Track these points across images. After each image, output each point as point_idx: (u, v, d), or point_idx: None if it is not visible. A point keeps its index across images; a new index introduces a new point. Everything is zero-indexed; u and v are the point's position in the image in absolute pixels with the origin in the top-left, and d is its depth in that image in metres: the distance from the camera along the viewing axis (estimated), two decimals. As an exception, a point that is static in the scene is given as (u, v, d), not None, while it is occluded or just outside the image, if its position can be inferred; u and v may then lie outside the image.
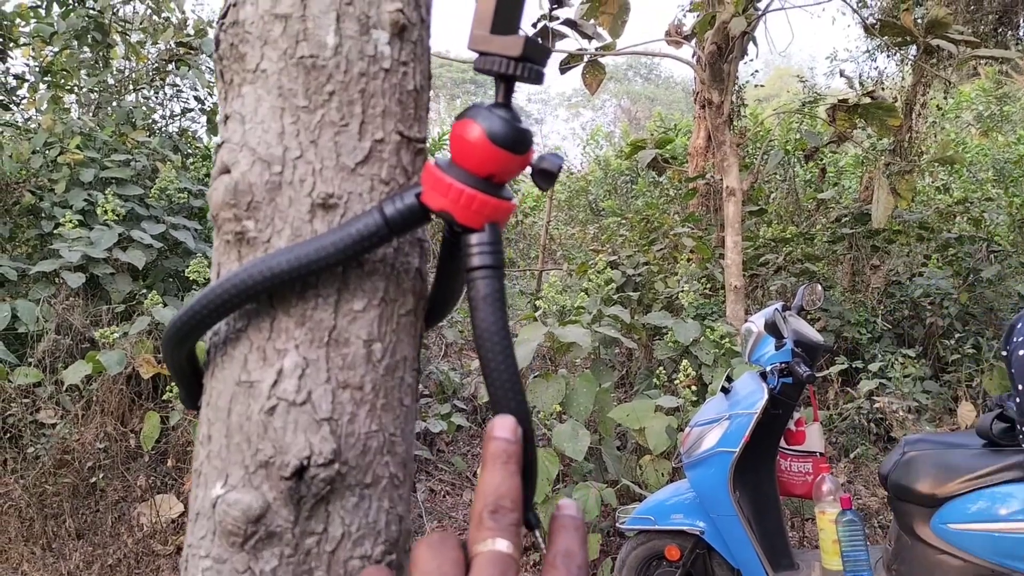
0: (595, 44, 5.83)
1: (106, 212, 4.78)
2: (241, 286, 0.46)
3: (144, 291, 4.60)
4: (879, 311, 5.80)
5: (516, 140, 0.49)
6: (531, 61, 0.47)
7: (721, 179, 5.15)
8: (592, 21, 5.95)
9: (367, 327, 0.49)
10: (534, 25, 5.83)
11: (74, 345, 4.41)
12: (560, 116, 36.38)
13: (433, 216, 0.49)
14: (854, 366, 5.23)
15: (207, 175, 6.44)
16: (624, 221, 7.53)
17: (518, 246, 11.01)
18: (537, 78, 0.49)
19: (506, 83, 0.49)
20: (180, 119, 6.91)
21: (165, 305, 4.30)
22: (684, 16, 6.91)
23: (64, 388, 4.01)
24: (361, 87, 0.50)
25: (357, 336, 0.49)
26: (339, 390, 0.48)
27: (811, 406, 3.16)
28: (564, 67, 6.06)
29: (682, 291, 4.79)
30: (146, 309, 4.26)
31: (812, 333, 2.95)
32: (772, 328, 2.70)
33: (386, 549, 0.49)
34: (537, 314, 4.27)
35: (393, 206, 0.48)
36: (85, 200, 5.13)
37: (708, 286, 5.66)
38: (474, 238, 0.48)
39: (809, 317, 3.79)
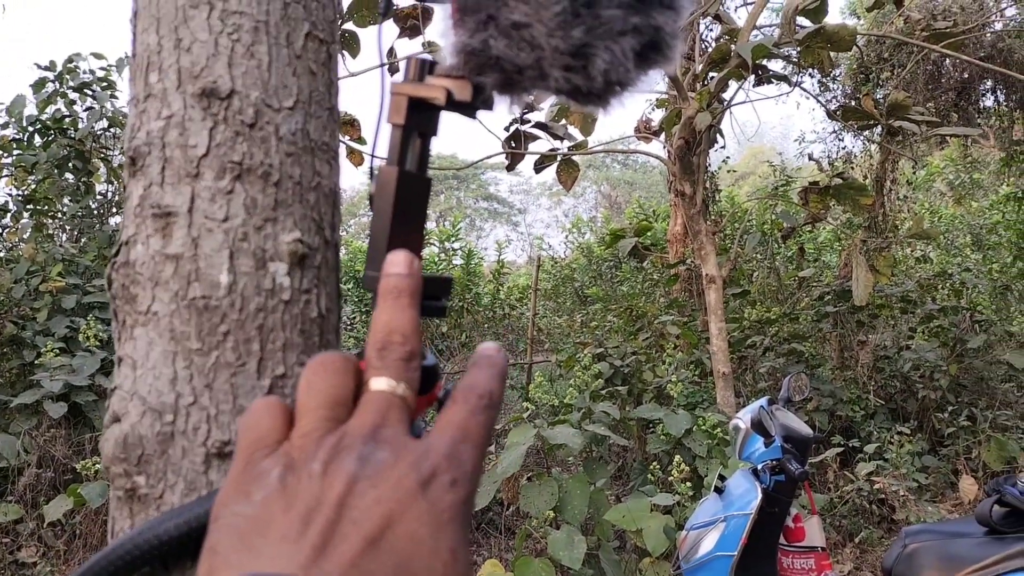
0: (567, 143, 5.95)
1: (88, 338, 4.74)
2: (128, 556, 0.43)
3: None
4: (870, 387, 5.76)
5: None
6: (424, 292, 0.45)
7: (700, 266, 5.18)
8: (562, 121, 6.09)
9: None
10: (506, 129, 5.96)
11: (56, 477, 4.31)
12: (543, 205, 36.93)
13: None
14: (851, 445, 5.16)
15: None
16: (612, 308, 7.53)
17: (507, 339, 10.99)
18: (436, 310, 0.47)
19: None
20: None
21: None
22: (652, 112, 7.07)
23: (45, 524, 3.89)
24: (259, 323, 0.48)
25: None
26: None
27: (808, 499, 3.10)
28: (539, 166, 6.17)
29: (670, 381, 4.75)
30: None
31: (800, 426, 2.91)
32: (759, 426, 2.67)
33: None
34: (526, 415, 4.22)
35: None
36: (67, 327, 5.10)
37: (697, 372, 5.62)
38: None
39: (797, 407, 3.75)
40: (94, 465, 3.89)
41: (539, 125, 5.79)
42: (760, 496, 2.72)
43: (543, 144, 6.30)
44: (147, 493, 0.46)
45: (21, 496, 4.05)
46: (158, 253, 0.48)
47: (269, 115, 0.50)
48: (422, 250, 0.47)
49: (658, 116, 6.51)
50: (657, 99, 6.59)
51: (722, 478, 3.04)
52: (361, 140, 5.36)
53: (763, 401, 2.89)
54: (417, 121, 0.45)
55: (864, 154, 8.44)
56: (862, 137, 7.92)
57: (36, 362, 4.72)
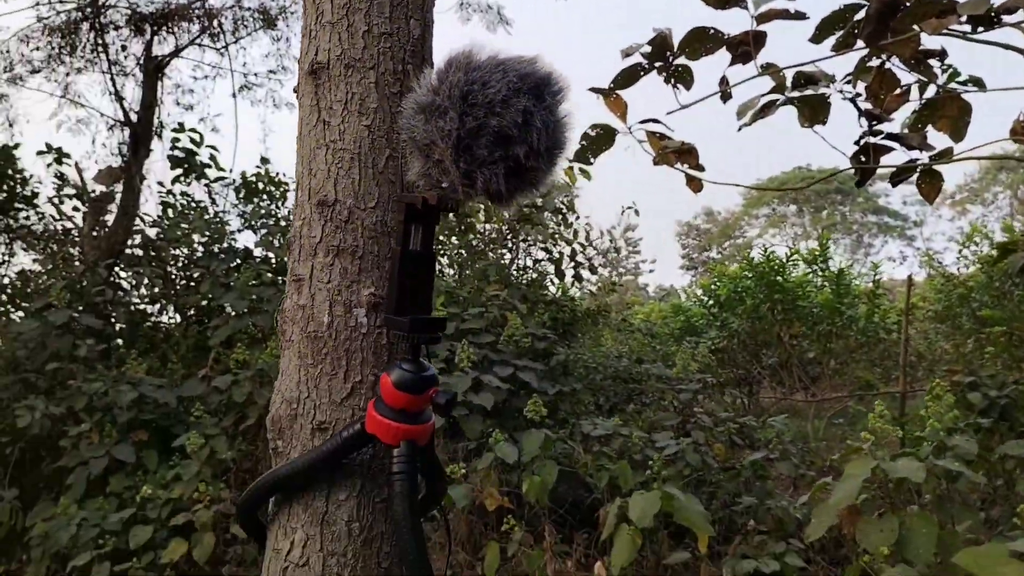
0: (925, 154, 5.52)
1: (463, 360, 5.52)
2: (270, 482, 0.73)
3: (492, 429, 5.17)
4: None
5: (415, 386, 0.71)
6: (420, 330, 0.69)
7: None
8: (927, 129, 5.66)
9: (348, 511, 0.73)
10: (856, 142, 5.71)
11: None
12: (943, 216, 33.24)
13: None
14: None
15: (551, 318, 7.10)
16: (986, 332, 6.73)
17: (884, 365, 10.21)
18: (431, 340, 0.70)
19: (410, 344, 0.71)
20: (530, 271, 7.76)
21: (508, 440, 4.82)
22: (1034, 108, 6.21)
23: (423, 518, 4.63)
24: (346, 347, 0.75)
25: (341, 518, 0.72)
26: (328, 557, 0.72)
27: None
28: (895, 180, 5.80)
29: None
30: (491, 446, 4.80)
31: None
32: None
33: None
34: (866, 446, 4.03)
35: (349, 431, 0.72)
36: (447, 350, 5.96)
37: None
38: (394, 452, 0.70)
39: None
40: (460, 470, 4.54)
41: (891, 136, 5.43)
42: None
43: (899, 156, 5.88)
44: (282, 450, 0.76)
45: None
46: (294, 304, 0.78)
47: (358, 213, 0.77)
48: (430, 302, 0.70)
49: (1037, 115, 5.74)
50: (1033, 96, 5.82)
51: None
52: (699, 167, 5.52)
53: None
54: (414, 216, 0.70)
55: None
56: None
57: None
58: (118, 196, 7.00)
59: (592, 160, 5.32)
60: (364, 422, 0.71)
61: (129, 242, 6.73)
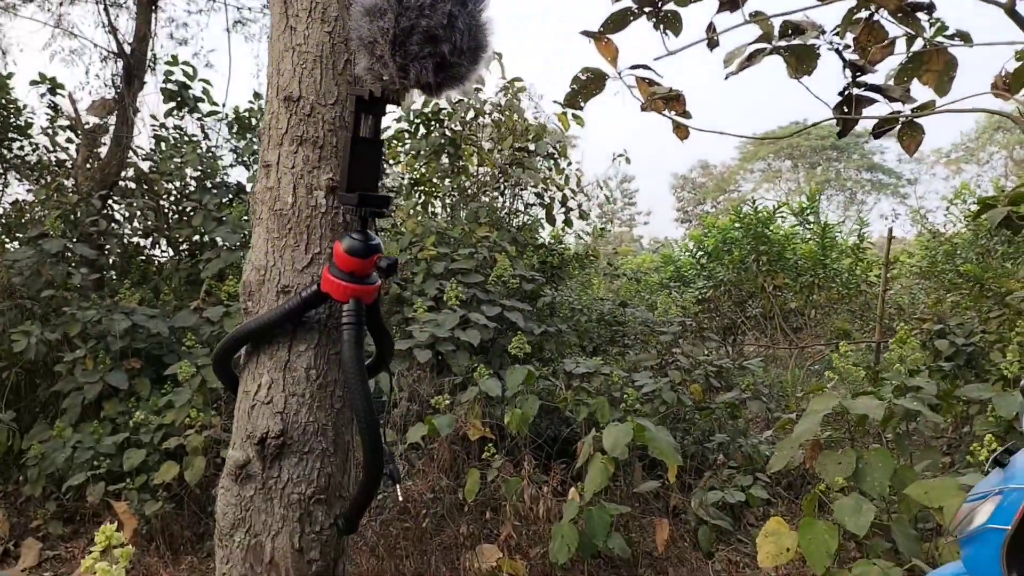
0: (908, 106, 5.59)
1: (451, 298, 5.67)
2: (242, 334, 0.87)
3: (477, 365, 5.34)
4: None
5: (362, 251, 0.83)
6: (367, 205, 0.82)
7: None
8: (913, 81, 5.72)
9: (307, 360, 0.86)
10: (840, 94, 5.77)
11: (421, 410, 5.25)
12: (938, 175, 33.26)
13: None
14: None
15: (540, 262, 7.23)
16: (958, 284, 6.89)
17: (865, 317, 10.42)
18: (380, 209, 0.83)
19: (360, 217, 0.84)
20: (522, 215, 7.86)
21: (493, 376, 4.99)
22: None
23: (408, 446, 4.81)
24: (307, 224, 0.88)
25: (301, 365, 0.86)
26: (289, 397, 0.85)
27: None
28: (877, 132, 5.87)
29: (1008, 364, 4.36)
30: (476, 380, 4.97)
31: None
32: (1031, 397, 2.51)
33: (316, 491, 0.85)
34: (829, 385, 4.21)
35: (307, 291, 0.85)
36: (437, 288, 6.11)
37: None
38: (344, 307, 0.83)
39: None
40: (444, 400, 4.71)
41: (873, 88, 5.51)
42: (1044, 472, 2.56)
43: (882, 108, 5.95)
44: (251, 310, 0.89)
45: (395, 424, 5.03)
46: (263, 187, 0.90)
47: (319, 108, 0.89)
48: (376, 186, 0.83)
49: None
50: (1017, 52, 5.88)
51: (1009, 452, 2.87)
52: (686, 114, 5.59)
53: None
54: (364, 107, 0.82)
55: None
56: None
57: (411, 316, 5.75)
58: (112, 128, 7.04)
59: (583, 104, 5.38)
60: (319, 283, 0.84)
61: (122, 174, 6.80)
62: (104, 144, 7.12)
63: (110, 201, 6.75)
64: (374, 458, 0.84)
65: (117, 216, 6.81)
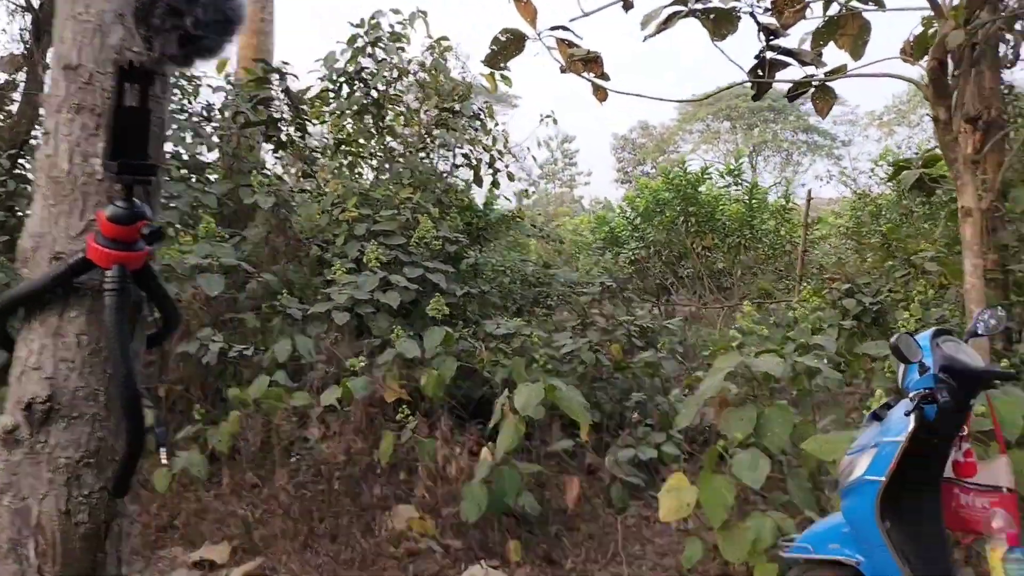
0: (821, 70, 5.69)
1: (371, 260, 5.64)
2: (13, 298, 0.87)
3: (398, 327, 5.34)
4: None
5: (125, 218, 0.84)
6: (131, 172, 0.82)
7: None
8: (828, 45, 5.81)
9: (78, 326, 0.87)
10: (756, 57, 5.84)
11: (339, 373, 5.25)
12: (871, 136, 33.90)
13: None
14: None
15: (466, 223, 7.23)
16: (865, 243, 7.12)
17: (789, 277, 10.68)
18: (147, 177, 0.83)
19: (123, 186, 0.84)
20: (450, 176, 7.82)
21: (414, 338, 5.00)
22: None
23: (324, 408, 4.81)
24: (83, 191, 0.88)
25: (72, 331, 0.86)
26: (59, 362, 0.86)
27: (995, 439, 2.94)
28: (791, 95, 5.98)
29: (906, 320, 4.54)
30: (394, 342, 4.98)
31: (972, 360, 2.78)
32: (896, 352, 2.63)
33: (85, 455, 0.86)
34: (735, 344, 4.32)
35: (74, 259, 0.85)
36: (358, 250, 6.07)
37: (957, 314, 5.23)
38: (108, 273, 0.84)
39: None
40: (359, 363, 4.72)
41: (786, 51, 5.60)
42: (912, 424, 2.68)
43: (795, 72, 6.05)
44: (26, 277, 0.89)
45: (311, 387, 5.02)
46: (43, 154, 0.90)
47: (98, 77, 0.89)
48: (146, 150, 0.84)
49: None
50: (923, 18, 6.02)
51: (888, 407, 3.00)
52: (604, 76, 5.61)
53: (931, 331, 2.81)
54: (126, 76, 0.82)
55: None
56: None
57: (331, 279, 5.71)
58: (21, 85, 6.79)
59: (504, 65, 5.34)
60: (85, 251, 0.86)
61: (33, 132, 6.57)
62: (14, 101, 6.87)
63: (21, 160, 6.53)
64: (133, 422, 0.89)
65: (28, 176, 6.60)
